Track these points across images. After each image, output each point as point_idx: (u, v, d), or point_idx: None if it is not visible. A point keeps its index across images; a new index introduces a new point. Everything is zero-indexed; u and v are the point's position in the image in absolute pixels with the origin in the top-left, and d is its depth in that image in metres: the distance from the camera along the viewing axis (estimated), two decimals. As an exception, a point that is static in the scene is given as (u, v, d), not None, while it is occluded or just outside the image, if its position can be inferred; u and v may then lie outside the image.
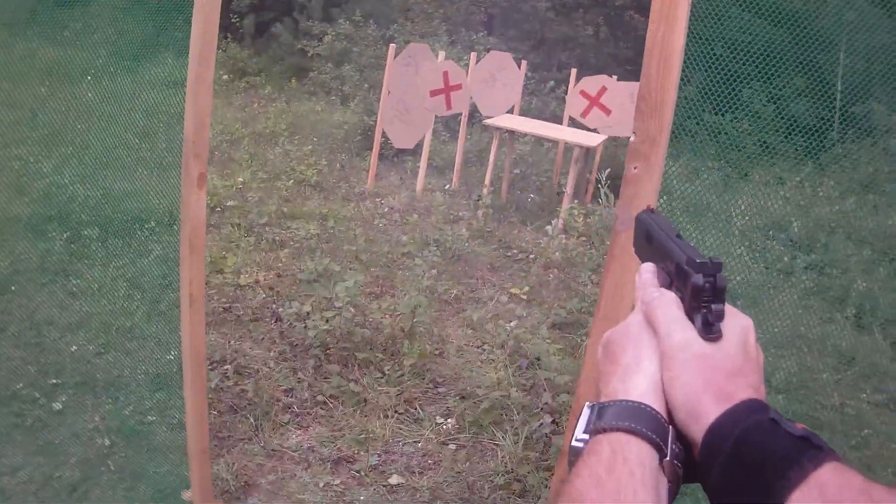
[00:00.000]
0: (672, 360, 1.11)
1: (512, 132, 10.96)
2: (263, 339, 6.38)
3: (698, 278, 1.12)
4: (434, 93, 10.16)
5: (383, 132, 10.46)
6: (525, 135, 11.48)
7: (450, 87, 10.26)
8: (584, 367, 2.90)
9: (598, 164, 11.14)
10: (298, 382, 5.89)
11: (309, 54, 15.28)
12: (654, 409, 1.08)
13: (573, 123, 11.11)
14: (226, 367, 5.86)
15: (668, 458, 1.04)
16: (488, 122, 10.91)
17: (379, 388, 5.94)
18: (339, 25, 15.25)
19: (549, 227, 9.49)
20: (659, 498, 1.01)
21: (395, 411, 5.76)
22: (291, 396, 5.77)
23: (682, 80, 2.47)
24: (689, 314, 1.14)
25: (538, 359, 6.41)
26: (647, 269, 1.28)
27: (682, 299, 1.16)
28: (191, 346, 3.51)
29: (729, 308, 1.14)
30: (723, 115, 10.23)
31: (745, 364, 1.10)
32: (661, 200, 10.99)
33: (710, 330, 1.11)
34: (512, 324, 6.95)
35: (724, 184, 9.68)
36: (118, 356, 5.79)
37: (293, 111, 13.13)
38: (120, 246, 7.11)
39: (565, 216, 9.76)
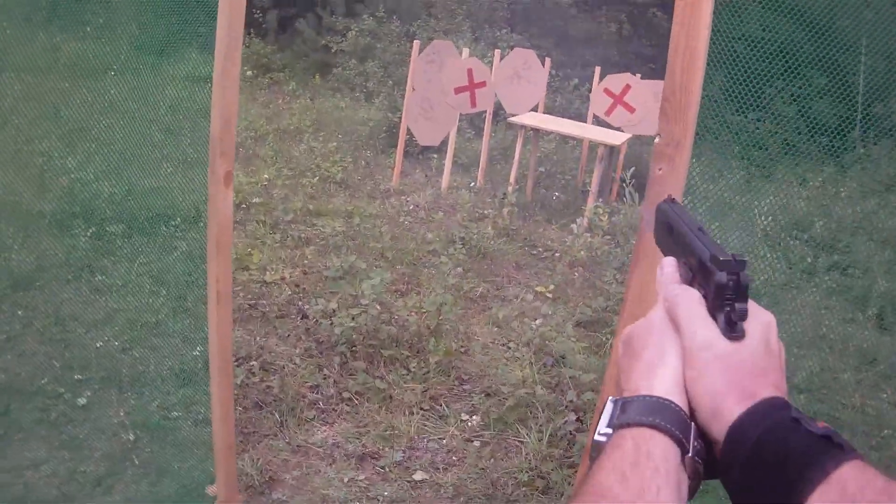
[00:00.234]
0: (695, 359, 1.10)
1: (537, 130, 10.95)
2: (289, 335, 6.37)
3: (722, 276, 1.10)
4: (458, 90, 10.13)
5: (408, 129, 10.45)
6: (550, 133, 11.45)
7: (474, 85, 10.24)
8: (610, 365, 2.88)
9: (623, 163, 11.13)
10: (324, 379, 5.87)
11: (333, 50, 15.29)
12: (678, 405, 1.07)
13: (597, 121, 11.10)
14: (252, 364, 5.85)
15: (690, 455, 1.03)
16: (513, 119, 10.90)
17: (404, 385, 5.93)
18: (362, 21, 15.25)
19: (574, 226, 9.47)
20: (680, 494, 1.00)
21: (421, 408, 5.75)
22: (317, 393, 5.75)
23: (704, 79, 2.45)
24: (712, 312, 1.12)
25: (563, 357, 6.40)
26: (669, 264, 1.27)
27: (705, 296, 1.14)
28: (218, 342, 3.49)
29: (751, 305, 1.12)
30: (745, 114, 10.18)
31: (767, 363, 1.08)
32: (685, 200, 10.95)
33: (733, 329, 1.09)
34: (537, 322, 6.92)
35: (747, 183, 9.64)
36: (143, 352, 5.79)
37: (317, 108, 13.14)
38: (145, 242, 7.11)
39: (590, 214, 9.74)
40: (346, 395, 5.75)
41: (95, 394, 5.28)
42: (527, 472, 5.18)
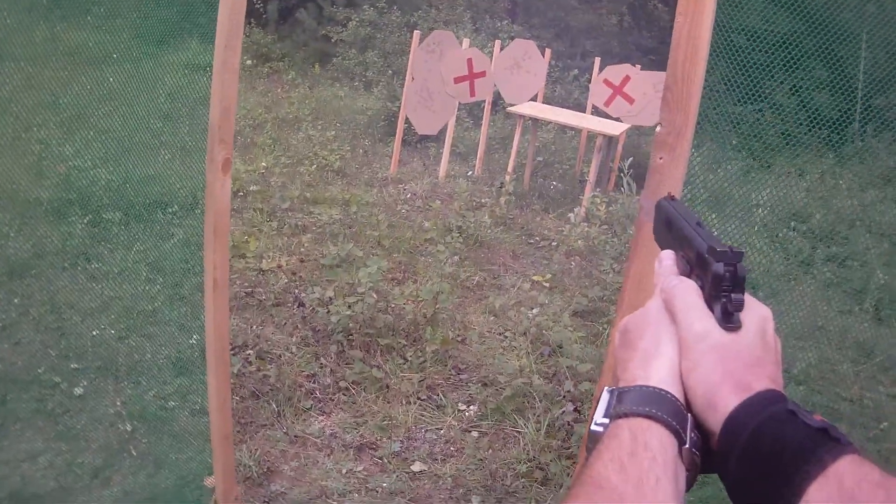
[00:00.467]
0: (691, 350, 1.10)
1: (535, 120, 10.96)
2: (286, 324, 6.36)
3: (719, 267, 1.11)
4: (458, 79, 10.14)
5: (406, 118, 10.44)
6: (548, 123, 11.46)
7: (474, 75, 10.25)
8: (608, 355, 2.87)
9: (621, 153, 11.15)
10: (321, 368, 5.86)
11: (333, 40, 15.32)
12: (674, 396, 1.07)
13: (596, 112, 11.12)
14: (248, 352, 5.84)
15: (686, 446, 1.03)
16: (512, 109, 10.92)
17: (401, 374, 5.92)
18: (363, 12, 15.26)
19: (571, 215, 9.48)
20: (678, 485, 1.00)
21: (418, 398, 5.74)
22: (314, 382, 5.74)
23: (705, 70, 2.46)
24: (709, 303, 1.13)
25: (560, 346, 6.39)
26: (667, 256, 1.28)
27: (702, 287, 1.15)
28: (214, 331, 3.47)
29: (748, 298, 1.13)
30: (745, 105, 10.18)
31: (763, 355, 1.09)
32: (685, 190, 10.95)
33: (729, 320, 1.10)
34: (534, 311, 6.92)
35: (746, 174, 9.63)
36: (140, 341, 5.77)
37: (316, 97, 13.18)
38: (142, 230, 7.08)
39: (587, 204, 9.75)
40: (342, 384, 5.73)
41: (92, 383, 5.25)
42: (525, 462, 5.17)
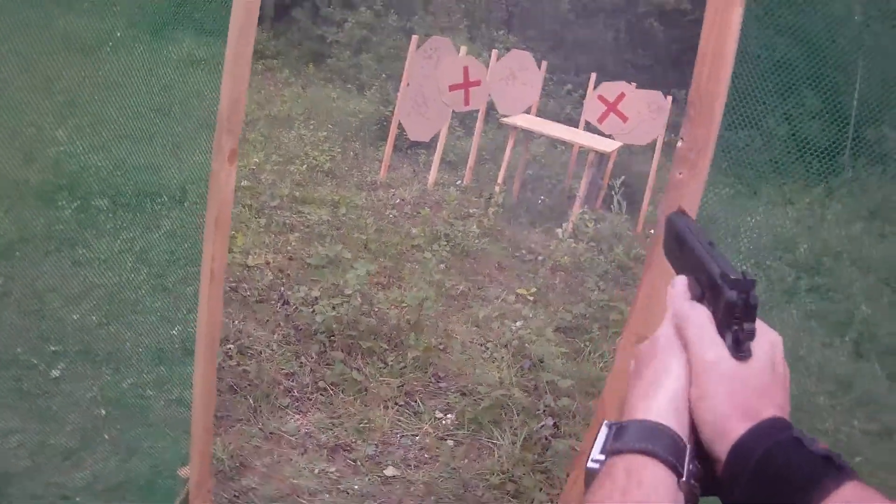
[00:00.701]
0: (701, 378, 1.11)
1: (528, 132, 10.93)
2: (268, 321, 6.34)
3: (732, 295, 1.11)
4: (453, 87, 10.15)
5: (399, 123, 10.43)
6: (541, 136, 11.43)
7: (469, 83, 10.25)
8: (610, 379, 2.87)
9: (612, 171, 11.15)
10: (300, 367, 5.85)
11: (328, 41, 15.32)
12: (671, 429, 1.08)
13: (588, 128, 11.11)
14: (229, 346, 5.83)
15: (683, 479, 1.04)
16: (505, 120, 10.91)
17: (381, 378, 5.91)
18: (360, 14, 15.26)
19: (559, 230, 9.48)
20: None
21: (396, 403, 5.73)
22: (292, 381, 5.72)
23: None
24: (720, 329, 1.13)
25: (542, 361, 6.39)
26: (681, 282, 1.26)
27: (713, 312, 1.15)
28: (207, 322, 3.47)
29: (758, 323, 1.13)
30: (735, 130, 10.22)
31: (772, 383, 1.10)
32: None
33: (740, 348, 1.10)
34: (517, 324, 6.92)
35: (733, 200, 9.65)
36: (120, 328, 5.74)
37: (309, 96, 13.17)
38: (129, 219, 7.05)
39: (576, 220, 9.74)
40: (321, 384, 5.72)
41: (69, 367, 5.22)
42: (498, 474, 5.16)
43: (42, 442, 4.56)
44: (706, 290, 1.19)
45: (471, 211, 9.79)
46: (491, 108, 11.24)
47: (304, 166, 9.91)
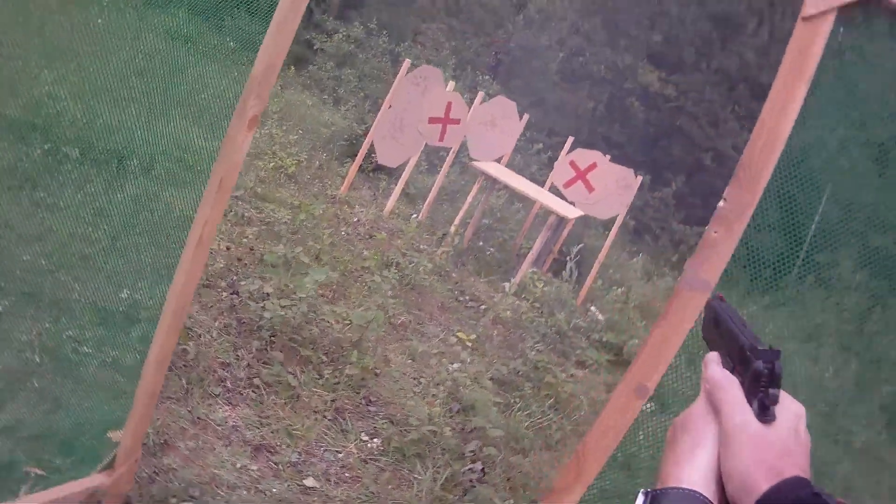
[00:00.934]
0: (730, 438, 1.24)
1: (494, 180, 10.93)
2: (212, 307, 6.26)
3: (759, 364, 1.26)
4: (432, 120, 10.13)
5: (371, 144, 10.39)
6: (505, 187, 11.44)
7: (449, 120, 10.24)
8: (595, 433, 2.87)
9: (565, 239, 11.21)
10: (237, 360, 5.78)
11: (314, 47, 15.28)
12: (703, 495, 1.21)
13: (553, 191, 11.15)
14: (170, 322, 5.74)
15: None
16: (476, 164, 10.90)
17: (314, 388, 5.87)
18: (352, 28, 15.28)
19: (506, 285, 9.51)
20: None
21: (325, 416, 5.70)
22: (227, 371, 5.65)
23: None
24: (748, 396, 1.28)
25: (473, 406, 6.38)
26: (714, 355, 1.41)
27: (742, 382, 1.30)
28: (182, 286, 3.44)
29: (784, 395, 1.27)
30: (689, 226, 10.32)
31: (795, 447, 1.22)
32: (618, 293, 11.02)
33: (766, 413, 1.24)
34: (455, 365, 6.93)
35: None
36: (68, 280, 5.64)
37: (286, 98, 13.10)
38: (95, 174, 6.96)
39: (525, 278, 9.77)
40: (256, 381, 5.66)
41: (12, 305, 5.13)
42: (415, 508, 5.14)
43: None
44: (736, 362, 1.34)
45: (422, 247, 9.79)
46: (461, 149, 11.23)
47: (271, 164, 9.86)
